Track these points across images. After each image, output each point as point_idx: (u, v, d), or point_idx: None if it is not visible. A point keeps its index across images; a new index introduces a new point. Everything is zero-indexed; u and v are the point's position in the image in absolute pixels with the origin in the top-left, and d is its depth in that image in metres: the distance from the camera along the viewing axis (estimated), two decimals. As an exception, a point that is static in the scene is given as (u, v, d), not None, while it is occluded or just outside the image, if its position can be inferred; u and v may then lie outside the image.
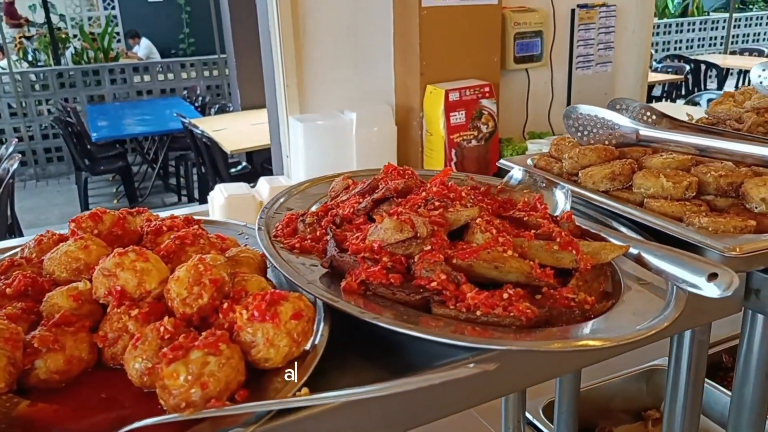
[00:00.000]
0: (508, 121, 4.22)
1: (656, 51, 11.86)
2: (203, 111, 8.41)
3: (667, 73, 8.65)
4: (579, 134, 1.17)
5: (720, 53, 11.48)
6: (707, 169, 1.01)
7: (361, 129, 3.41)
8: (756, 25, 13.25)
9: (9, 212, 5.25)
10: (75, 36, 12.03)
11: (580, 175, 1.09)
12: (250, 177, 5.79)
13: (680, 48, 12.59)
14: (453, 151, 3.53)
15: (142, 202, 7.84)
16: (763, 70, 1.33)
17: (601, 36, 4.29)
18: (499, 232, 0.84)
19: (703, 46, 12.67)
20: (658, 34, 12.51)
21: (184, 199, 7.91)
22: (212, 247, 0.82)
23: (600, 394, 1.78)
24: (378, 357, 0.75)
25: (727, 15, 13.35)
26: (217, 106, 8.15)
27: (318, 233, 0.96)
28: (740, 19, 13.19)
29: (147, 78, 9.56)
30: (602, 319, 0.74)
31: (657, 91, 8.59)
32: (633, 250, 0.85)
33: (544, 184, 1.07)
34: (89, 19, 13.19)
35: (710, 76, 8.96)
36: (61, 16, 12.85)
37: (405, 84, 3.72)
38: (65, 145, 7.97)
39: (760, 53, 9.61)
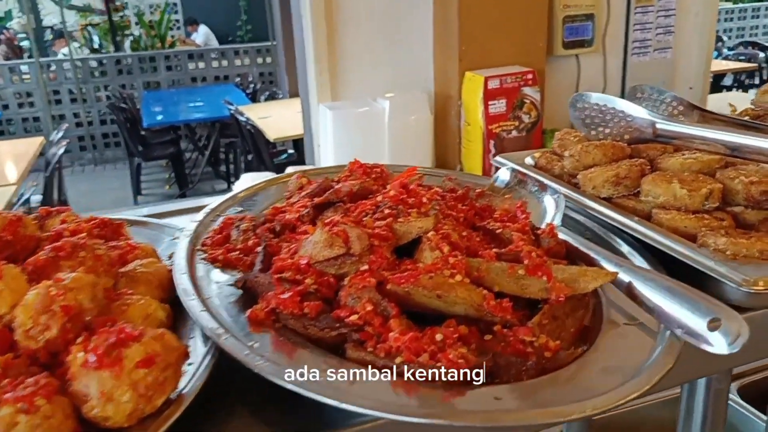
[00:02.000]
0: (555, 111, 3.96)
1: (729, 38, 11.17)
2: (254, 98, 8.40)
3: (739, 60, 8.11)
4: (586, 128, 0.98)
5: (801, 39, 10.69)
6: (736, 173, 0.80)
7: (394, 118, 3.24)
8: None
9: (57, 196, 5.34)
10: (137, 23, 12.26)
11: (579, 177, 0.90)
12: (295, 166, 5.72)
13: (756, 34, 11.81)
14: (492, 142, 3.32)
15: (192, 188, 7.91)
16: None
17: (660, 19, 3.98)
18: (452, 250, 0.68)
19: (782, 31, 11.85)
20: (731, 19, 11.78)
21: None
22: (97, 261, 0.68)
23: (626, 420, 1.57)
24: (276, 409, 0.59)
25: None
26: (267, 93, 8.12)
27: (251, 242, 0.82)
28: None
29: (201, 65, 9.62)
30: (560, 375, 0.56)
31: (728, 80, 8.08)
32: (624, 278, 0.67)
33: (535, 188, 0.89)
34: (150, 6, 13.42)
35: (787, 64, 8.33)
36: (125, 5, 13.13)
37: (444, 70, 3.53)
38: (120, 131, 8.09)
39: None
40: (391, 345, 0.58)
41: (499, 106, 3.29)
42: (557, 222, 0.79)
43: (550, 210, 0.82)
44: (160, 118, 7.35)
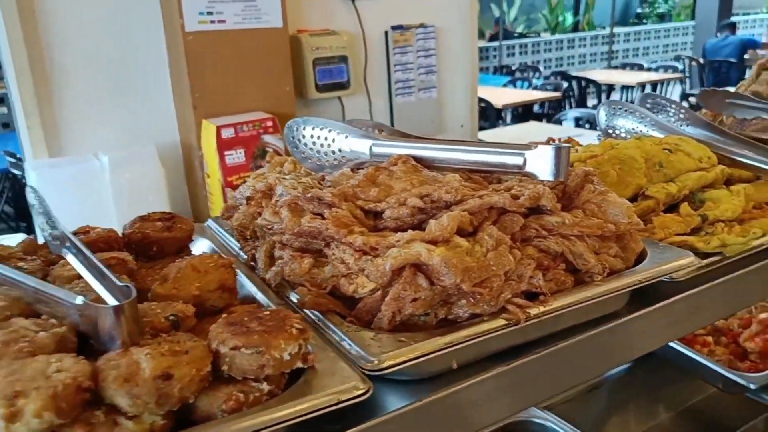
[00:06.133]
0: (322, 154, 3.83)
1: (547, 67, 11.85)
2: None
3: (546, 90, 8.56)
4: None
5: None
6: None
7: (117, 174, 2.94)
8: (645, 39, 13.46)
9: None
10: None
11: None
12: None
13: (573, 63, 12.64)
14: (233, 194, 3.09)
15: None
16: (300, 127, 0.93)
17: (421, 60, 3.97)
18: None
19: (595, 60, 12.76)
20: (550, 50, 12.54)
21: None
22: None
23: None
24: None
25: (620, 29, 13.56)
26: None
27: None
28: (630, 34, 13.37)
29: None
30: None
31: (538, 109, 8.50)
32: None
33: None
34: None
35: (590, 93, 8.89)
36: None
37: (184, 119, 3.28)
38: None
39: (640, 68, 9.65)
40: None
41: (237, 156, 3.09)
42: None
43: None
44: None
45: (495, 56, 12.17)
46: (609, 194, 0.78)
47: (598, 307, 0.74)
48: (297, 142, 0.94)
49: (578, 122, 6.50)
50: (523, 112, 8.10)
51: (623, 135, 1.17)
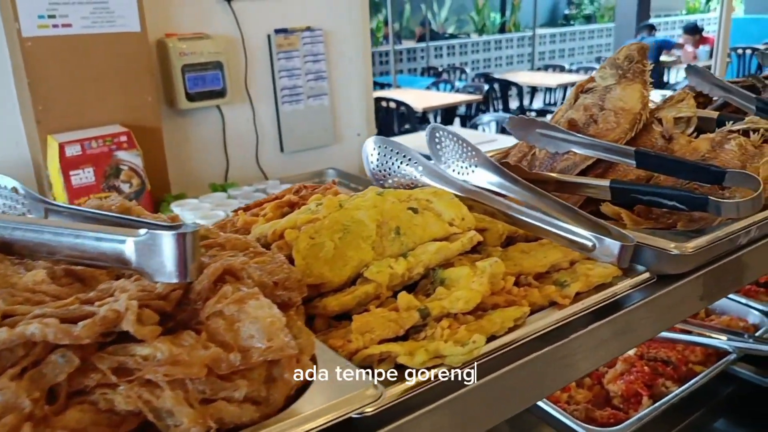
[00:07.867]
0: (202, 169, 3.53)
1: (474, 69, 11.76)
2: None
3: (468, 92, 8.44)
4: None
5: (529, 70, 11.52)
6: None
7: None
8: (570, 40, 13.53)
9: None
10: None
11: None
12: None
13: (501, 65, 12.59)
14: (84, 219, 2.76)
15: None
16: None
17: (309, 65, 3.71)
18: None
19: (522, 62, 12.74)
20: (478, 51, 12.46)
21: None
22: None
23: None
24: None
25: (545, 31, 13.61)
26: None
27: None
28: (555, 35, 13.41)
29: None
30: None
31: (464, 111, 8.38)
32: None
33: None
34: None
35: (512, 95, 8.79)
36: None
37: (31, 135, 2.93)
38: None
39: (562, 69, 9.64)
40: None
41: (85, 175, 2.75)
42: None
43: None
44: None
45: (423, 57, 12.03)
46: (250, 302, 0.54)
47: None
48: None
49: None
50: (446, 115, 7.93)
51: (405, 183, 0.94)
